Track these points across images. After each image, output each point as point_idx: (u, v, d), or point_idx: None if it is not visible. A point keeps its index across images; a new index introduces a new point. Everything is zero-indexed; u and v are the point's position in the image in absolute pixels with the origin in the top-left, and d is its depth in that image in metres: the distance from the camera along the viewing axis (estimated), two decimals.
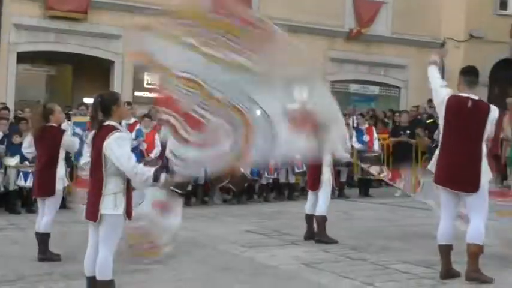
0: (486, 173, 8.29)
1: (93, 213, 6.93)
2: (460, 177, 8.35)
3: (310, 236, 11.51)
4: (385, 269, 9.17)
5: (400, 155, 19.08)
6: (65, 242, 10.70)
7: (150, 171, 6.79)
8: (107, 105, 7.01)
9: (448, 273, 8.41)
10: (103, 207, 6.88)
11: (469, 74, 8.54)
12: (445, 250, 8.44)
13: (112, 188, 6.89)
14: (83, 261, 7.21)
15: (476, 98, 8.37)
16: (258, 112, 6.11)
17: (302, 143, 6.37)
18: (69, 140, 10.45)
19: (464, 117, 8.32)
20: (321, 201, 11.42)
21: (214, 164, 6.86)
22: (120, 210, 6.89)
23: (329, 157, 11.40)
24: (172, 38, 6.57)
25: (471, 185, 8.26)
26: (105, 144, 6.81)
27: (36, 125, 10.34)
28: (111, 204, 6.87)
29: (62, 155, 10.22)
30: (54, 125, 10.22)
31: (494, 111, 8.31)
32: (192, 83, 6.33)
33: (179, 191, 16.48)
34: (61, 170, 10.20)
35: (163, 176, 6.75)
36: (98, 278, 6.96)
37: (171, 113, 6.63)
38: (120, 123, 7.33)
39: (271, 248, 10.87)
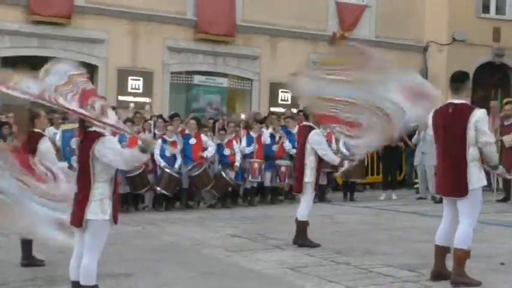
0: (477, 178, 8.26)
1: (78, 219, 6.92)
2: (447, 183, 8.43)
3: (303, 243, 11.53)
4: (369, 272, 9.19)
5: (389, 159, 19.15)
6: (48, 247, 10.65)
7: (135, 148, 6.90)
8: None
9: (439, 274, 8.44)
10: (89, 212, 6.87)
11: (452, 80, 8.58)
12: (439, 251, 8.48)
13: (99, 193, 6.90)
14: (66, 267, 7.20)
15: (458, 102, 8.37)
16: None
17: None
18: (45, 148, 9.77)
19: (447, 123, 8.37)
20: (303, 206, 11.44)
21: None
22: (107, 215, 6.90)
23: (312, 158, 11.38)
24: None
25: (457, 190, 8.30)
26: (95, 149, 6.85)
27: (24, 129, 10.19)
28: (98, 209, 6.87)
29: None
30: (38, 130, 10.06)
31: (476, 114, 8.22)
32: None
33: (166, 193, 16.57)
34: None
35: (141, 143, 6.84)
36: (82, 283, 6.97)
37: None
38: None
39: (255, 252, 10.86)
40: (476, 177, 8.24)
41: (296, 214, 11.53)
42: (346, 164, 12.56)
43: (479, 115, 8.22)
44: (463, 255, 8.21)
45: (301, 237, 11.30)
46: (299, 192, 11.57)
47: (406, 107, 8.30)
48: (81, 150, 7.07)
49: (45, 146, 9.73)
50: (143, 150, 6.82)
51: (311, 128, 11.40)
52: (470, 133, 8.19)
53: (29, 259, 9.93)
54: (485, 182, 8.40)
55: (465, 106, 8.36)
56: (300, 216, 11.36)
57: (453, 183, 8.35)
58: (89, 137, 6.98)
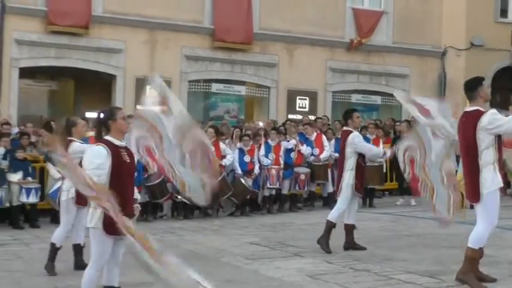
0: (490, 182, 8.24)
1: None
2: (466, 189, 8.60)
3: (349, 246, 11.57)
4: (389, 279, 9.16)
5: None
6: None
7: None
8: (104, 121, 7.14)
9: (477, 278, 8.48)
10: (88, 220, 7.03)
11: (465, 89, 8.70)
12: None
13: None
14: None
15: (471, 109, 8.42)
16: None
17: None
18: (76, 146, 9.94)
19: (462, 131, 8.52)
20: (336, 206, 11.63)
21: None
22: (92, 223, 6.93)
23: (351, 161, 11.50)
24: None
25: (472, 196, 8.43)
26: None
27: (62, 139, 10.25)
28: (90, 217, 6.98)
29: None
30: (72, 139, 10.13)
31: (483, 119, 8.26)
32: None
33: (187, 201, 16.59)
34: (67, 181, 10.10)
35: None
36: None
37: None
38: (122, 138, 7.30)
39: (275, 260, 10.86)
40: (490, 181, 8.25)
41: (344, 220, 11.68)
42: (388, 153, 13.24)
43: (486, 119, 8.23)
44: (471, 254, 8.29)
45: (322, 238, 11.37)
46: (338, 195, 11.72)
47: None
48: None
49: (71, 150, 9.79)
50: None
51: (351, 132, 11.68)
52: (481, 137, 8.20)
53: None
54: (499, 184, 8.33)
55: (477, 113, 8.37)
56: (330, 216, 11.46)
57: (469, 188, 8.47)
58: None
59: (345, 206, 11.58)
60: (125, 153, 7.11)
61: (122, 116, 7.17)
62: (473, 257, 8.27)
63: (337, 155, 15.72)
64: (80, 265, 10.03)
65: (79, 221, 10.14)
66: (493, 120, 8.18)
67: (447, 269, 9.31)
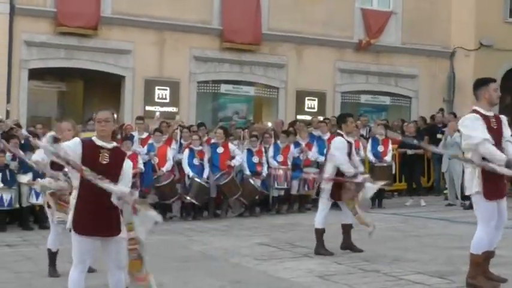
0: (470, 185, 8.25)
1: None
2: None
3: (346, 246, 11.54)
4: (398, 280, 9.14)
5: (410, 165, 19.12)
6: None
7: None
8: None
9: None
10: (68, 222, 7.10)
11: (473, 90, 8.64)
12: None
13: (72, 202, 7.05)
14: (96, 276, 7.24)
15: (473, 108, 8.42)
16: None
17: None
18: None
19: None
20: (318, 211, 11.59)
21: None
22: (68, 224, 7.04)
23: (330, 165, 11.46)
24: None
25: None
26: None
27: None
28: (70, 218, 7.05)
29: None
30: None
31: (459, 123, 8.34)
32: None
33: (196, 202, 16.62)
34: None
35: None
36: None
37: None
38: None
39: (284, 260, 10.85)
40: (469, 183, 8.25)
41: (341, 220, 11.60)
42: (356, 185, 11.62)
43: (460, 123, 8.27)
44: (474, 259, 8.26)
45: (319, 247, 11.40)
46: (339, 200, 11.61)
47: None
48: None
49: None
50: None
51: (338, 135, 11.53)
52: (462, 140, 8.25)
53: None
54: (476, 189, 8.18)
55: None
56: (316, 224, 11.45)
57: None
58: None
59: (326, 207, 11.47)
60: (106, 155, 7.04)
61: (97, 119, 7.19)
62: (477, 262, 8.25)
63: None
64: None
65: None
66: (458, 126, 8.26)
67: (457, 270, 9.29)
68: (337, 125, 12.13)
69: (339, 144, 11.41)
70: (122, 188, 6.76)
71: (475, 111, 8.32)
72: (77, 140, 7.05)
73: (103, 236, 6.91)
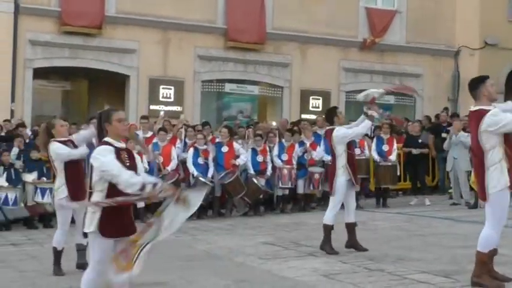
0: (496, 182, 8.17)
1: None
2: (477, 189, 8.66)
3: (351, 245, 11.53)
4: (403, 279, 9.12)
5: (414, 164, 19.11)
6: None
7: (137, 180, 6.55)
8: (100, 124, 6.97)
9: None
10: (86, 225, 6.82)
11: (469, 90, 8.58)
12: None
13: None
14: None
15: (475, 108, 8.33)
16: None
17: None
18: (55, 148, 10.21)
19: (470, 131, 8.60)
20: (329, 208, 11.52)
21: None
22: (92, 227, 6.72)
23: (343, 157, 11.40)
24: None
25: (480, 194, 8.49)
26: (91, 158, 6.75)
27: (42, 141, 10.48)
28: (88, 221, 6.77)
29: (59, 167, 10.23)
30: (58, 139, 10.28)
31: (486, 118, 8.13)
32: None
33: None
34: (58, 182, 10.26)
35: (149, 187, 6.53)
36: None
37: None
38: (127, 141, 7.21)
39: (289, 259, 10.84)
40: (495, 181, 8.15)
41: (344, 220, 11.53)
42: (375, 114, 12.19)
43: (486, 122, 8.12)
44: (481, 258, 8.23)
45: (325, 243, 11.35)
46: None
47: None
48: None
49: (51, 149, 10.22)
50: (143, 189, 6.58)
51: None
52: (483, 138, 8.14)
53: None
54: (506, 184, 8.14)
55: (478, 113, 8.27)
56: (325, 219, 11.39)
57: (478, 188, 8.51)
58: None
59: (338, 205, 11.44)
60: (126, 156, 6.91)
61: (117, 118, 7.00)
62: (484, 260, 8.23)
63: None
64: (80, 264, 10.17)
65: (81, 220, 10.20)
66: (493, 122, 8.06)
67: (462, 269, 9.27)
68: (329, 121, 11.98)
69: (342, 129, 11.53)
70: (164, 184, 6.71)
71: (481, 110, 8.29)
72: (107, 147, 6.77)
73: (128, 235, 6.78)
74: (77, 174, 10.22)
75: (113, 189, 6.67)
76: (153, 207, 11.03)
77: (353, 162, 11.57)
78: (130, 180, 6.49)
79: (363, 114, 11.76)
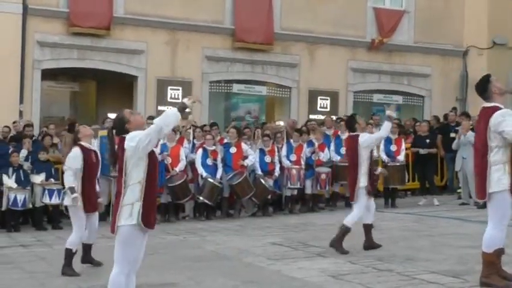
0: (497, 182, 8.16)
1: (112, 226, 6.81)
2: (475, 187, 8.79)
3: (369, 245, 11.55)
4: (412, 279, 9.12)
5: (423, 164, 19.10)
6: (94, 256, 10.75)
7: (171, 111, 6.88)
8: (122, 127, 7.06)
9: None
10: (119, 218, 6.71)
11: (478, 94, 8.56)
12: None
13: (129, 198, 6.71)
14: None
15: (487, 105, 8.31)
16: None
17: None
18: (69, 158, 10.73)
19: (476, 128, 8.63)
20: (353, 213, 11.52)
21: None
22: (134, 220, 6.64)
23: (366, 164, 11.49)
24: None
25: (479, 193, 8.51)
26: (125, 145, 6.78)
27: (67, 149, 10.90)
28: (126, 214, 6.68)
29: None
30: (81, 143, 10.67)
31: (494, 117, 8.11)
32: None
33: (209, 202, 16.64)
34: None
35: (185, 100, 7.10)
36: None
37: None
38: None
39: (297, 260, 10.84)
40: (496, 181, 8.15)
41: (363, 220, 11.62)
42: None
43: (494, 119, 8.10)
44: (487, 258, 8.24)
45: (338, 242, 11.36)
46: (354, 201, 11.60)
47: None
48: (119, 155, 6.94)
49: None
50: (181, 109, 6.91)
51: (358, 136, 11.63)
52: (491, 136, 8.11)
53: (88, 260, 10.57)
54: (506, 186, 8.14)
55: (491, 109, 8.26)
56: (346, 221, 11.39)
57: (477, 188, 8.60)
58: (122, 143, 6.91)
59: (362, 211, 11.51)
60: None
61: (130, 114, 7.16)
62: (490, 261, 8.22)
63: None
64: (86, 260, 10.56)
65: (91, 224, 10.47)
66: (497, 123, 8.06)
67: (470, 269, 9.26)
68: (350, 129, 12.07)
69: (367, 136, 11.73)
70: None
71: (495, 106, 8.26)
72: (137, 131, 6.92)
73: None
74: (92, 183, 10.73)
75: (150, 179, 6.77)
76: None
77: (371, 169, 11.78)
78: (166, 113, 6.82)
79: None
